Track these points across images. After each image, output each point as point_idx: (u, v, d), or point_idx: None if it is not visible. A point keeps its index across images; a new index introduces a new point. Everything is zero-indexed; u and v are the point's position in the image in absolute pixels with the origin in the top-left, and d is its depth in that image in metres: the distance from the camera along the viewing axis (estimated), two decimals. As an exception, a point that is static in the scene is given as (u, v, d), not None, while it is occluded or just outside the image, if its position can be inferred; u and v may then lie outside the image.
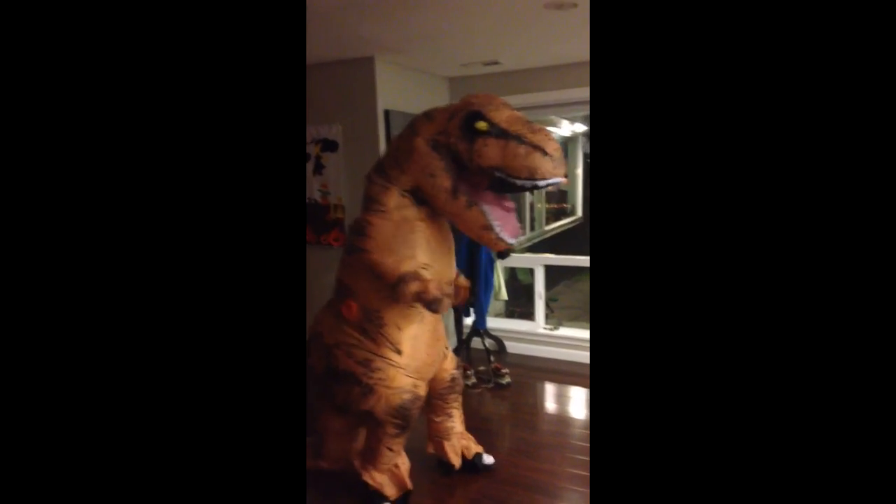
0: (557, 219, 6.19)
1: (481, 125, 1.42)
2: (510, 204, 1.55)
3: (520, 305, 3.86)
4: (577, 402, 2.60)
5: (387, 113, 2.56)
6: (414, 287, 1.53)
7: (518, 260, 3.65)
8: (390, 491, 1.75)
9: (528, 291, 3.43)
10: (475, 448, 1.96)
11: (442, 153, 1.50)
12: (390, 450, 1.72)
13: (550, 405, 2.58)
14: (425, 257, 1.60)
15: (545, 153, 1.37)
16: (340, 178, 2.67)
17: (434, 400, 1.86)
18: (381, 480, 1.75)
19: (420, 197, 1.60)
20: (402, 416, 1.65)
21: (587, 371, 2.92)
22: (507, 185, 1.44)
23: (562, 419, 2.45)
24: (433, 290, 1.55)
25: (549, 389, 2.72)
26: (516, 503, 1.78)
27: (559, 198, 6.53)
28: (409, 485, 1.77)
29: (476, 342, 3.06)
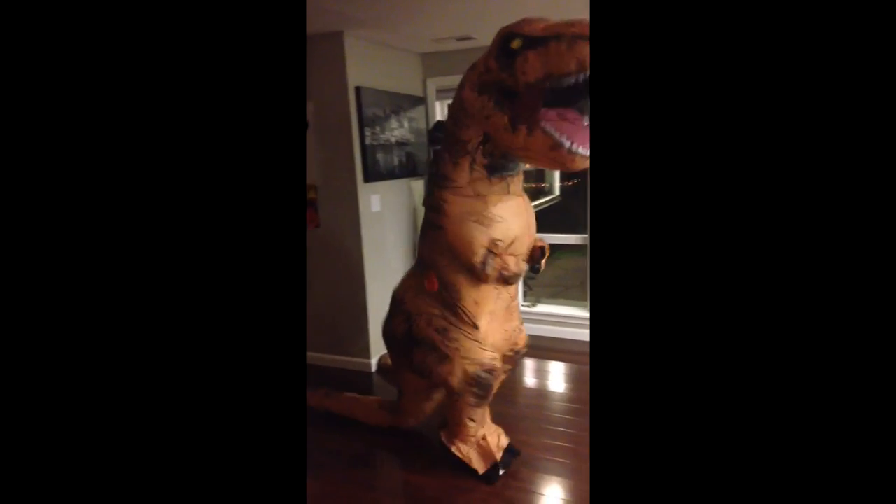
0: (535, 198, 6.21)
1: (514, 43, 1.34)
2: (574, 115, 1.38)
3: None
4: (556, 377, 2.64)
5: (358, 90, 2.50)
6: (491, 270, 1.59)
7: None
8: (478, 464, 1.77)
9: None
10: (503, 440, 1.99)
11: (490, 91, 1.43)
12: (472, 420, 1.75)
13: (529, 380, 2.61)
14: (500, 232, 1.59)
15: (587, 38, 1.24)
16: (313, 157, 2.61)
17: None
18: (468, 453, 1.79)
19: (492, 164, 1.56)
20: (478, 385, 1.67)
21: (565, 346, 2.96)
22: (563, 92, 1.31)
23: (541, 393, 2.48)
24: (512, 268, 1.60)
25: (528, 364, 2.75)
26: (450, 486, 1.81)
27: (537, 177, 6.54)
28: (498, 457, 1.78)
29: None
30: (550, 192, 6.59)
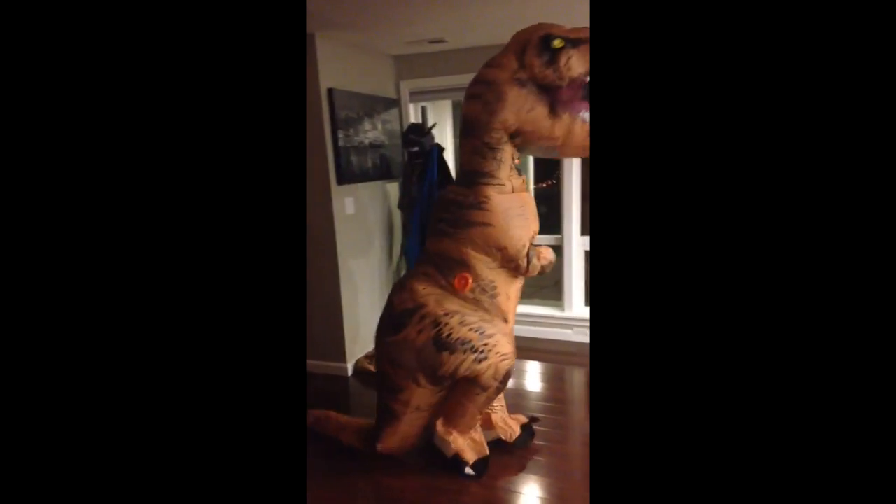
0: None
1: (557, 43, 1.56)
2: None
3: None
4: (532, 376, 2.66)
5: (330, 91, 2.48)
6: (534, 263, 1.72)
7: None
8: (470, 455, 1.80)
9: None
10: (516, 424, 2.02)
11: (529, 87, 1.61)
12: (480, 413, 1.80)
13: (506, 380, 2.62)
14: (534, 225, 1.76)
15: None
16: (285, 160, 2.58)
17: None
18: (462, 445, 1.81)
19: (514, 160, 1.72)
20: (505, 380, 1.74)
21: (539, 346, 2.98)
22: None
23: (518, 392, 2.49)
24: (550, 258, 1.79)
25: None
26: (443, 488, 1.81)
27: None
28: (487, 451, 1.83)
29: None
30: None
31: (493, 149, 1.68)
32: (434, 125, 3.02)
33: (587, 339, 2.93)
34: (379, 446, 1.83)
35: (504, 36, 2.73)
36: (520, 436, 1.94)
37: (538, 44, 1.58)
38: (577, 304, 3.10)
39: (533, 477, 1.80)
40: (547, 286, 3.81)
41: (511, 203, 1.70)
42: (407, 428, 1.82)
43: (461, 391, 1.74)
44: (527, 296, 4.15)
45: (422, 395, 1.76)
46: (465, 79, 2.97)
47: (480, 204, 1.68)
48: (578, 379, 2.61)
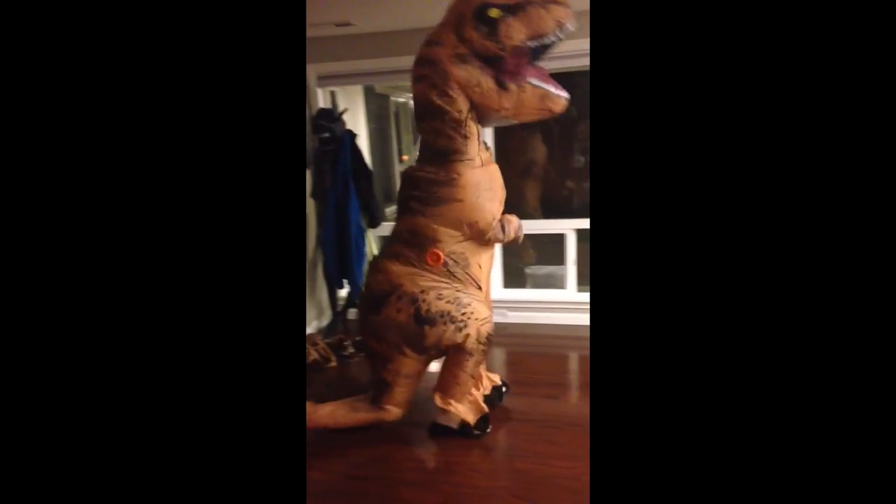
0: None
1: (494, 12, 1.53)
2: (543, 69, 1.69)
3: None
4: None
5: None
6: (504, 234, 1.79)
7: (390, 228, 3.64)
8: (470, 417, 1.88)
9: (403, 259, 3.44)
10: (496, 379, 2.16)
11: (472, 61, 1.60)
12: (472, 377, 1.86)
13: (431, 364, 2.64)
14: (500, 195, 1.80)
15: (557, 2, 1.53)
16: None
17: None
18: (462, 409, 1.88)
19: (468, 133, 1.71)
20: (487, 342, 1.81)
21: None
22: (540, 49, 1.58)
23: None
24: (516, 225, 1.84)
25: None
26: (418, 459, 1.81)
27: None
28: (486, 408, 1.91)
29: (354, 313, 3.01)
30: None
31: (456, 127, 1.69)
32: (345, 110, 2.94)
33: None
34: (384, 413, 1.91)
35: (413, 19, 2.71)
36: (489, 394, 2.07)
37: (473, 15, 1.55)
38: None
39: (500, 466, 1.84)
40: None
41: (481, 178, 1.74)
42: (400, 394, 1.91)
43: (452, 361, 1.83)
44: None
45: (410, 364, 1.86)
46: (375, 63, 2.93)
47: (453, 181, 1.71)
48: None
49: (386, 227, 3.44)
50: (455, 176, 1.71)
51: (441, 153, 1.74)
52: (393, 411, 1.91)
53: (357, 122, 3.62)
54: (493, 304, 2.07)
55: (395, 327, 1.79)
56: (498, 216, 1.81)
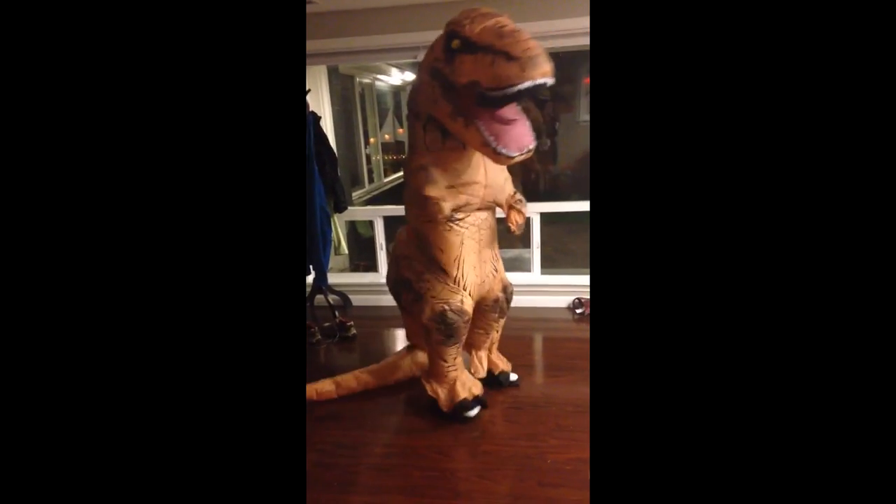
0: (396, 170, 6.22)
1: (454, 43, 1.45)
2: (509, 116, 1.52)
3: (363, 259, 3.84)
4: None
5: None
6: (442, 210, 1.73)
7: (356, 213, 3.60)
8: (445, 403, 1.94)
9: (370, 244, 3.41)
10: (503, 366, 2.18)
11: (438, 79, 1.55)
12: (444, 361, 1.89)
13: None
14: (451, 179, 1.75)
15: (510, 57, 1.31)
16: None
17: (478, 313, 2.01)
18: (438, 392, 1.94)
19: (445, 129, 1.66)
20: (443, 323, 1.82)
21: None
22: (489, 98, 1.41)
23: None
24: (446, 209, 1.75)
25: (399, 335, 2.79)
26: (384, 444, 1.83)
27: (397, 149, 6.54)
28: (461, 396, 1.92)
29: (321, 300, 2.99)
30: (411, 163, 6.63)
31: (411, 123, 1.80)
32: (308, 91, 2.87)
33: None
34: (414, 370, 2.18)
35: (375, -1, 2.65)
36: (488, 378, 2.15)
37: (445, 37, 1.50)
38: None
39: (455, 450, 1.87)
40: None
41: (424, 161, 1.76)
42: (420, 354, 2.17)
43: (425, 341, 1.93)
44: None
45: (409, 321, 2.07)
46: (337, 43, 2.85)
47: (409, 166, 1.83)
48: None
49: (352, 212, 3.40)
50: (410, 163, 1.84)
51: (410, 141, 1.88)
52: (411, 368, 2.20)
53: (321, 103, 3.53)
54: (497, 284, 2.03)
55: (393, 284, 2.06)
56: (445, 202, 1.75)
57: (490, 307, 2.04)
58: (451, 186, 1.77)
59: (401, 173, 6.22)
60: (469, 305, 1.89)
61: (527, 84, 1.32)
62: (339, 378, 2.17)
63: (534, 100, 3.14)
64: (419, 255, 1.91)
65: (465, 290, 1.88)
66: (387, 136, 6.15)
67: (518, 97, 1.40)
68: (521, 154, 1.54)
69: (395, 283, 2.03)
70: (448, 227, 1.81)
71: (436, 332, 1.85)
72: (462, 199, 1.77)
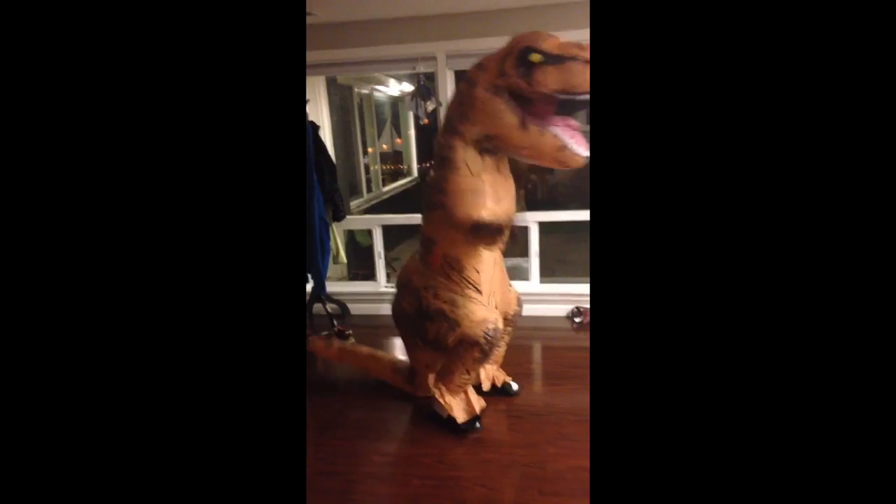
0: (394, 180, 6.24)
1: (535, 57, 1.57)
2: (575, 123, 1.69)
3: (362, 267, 3.84)
4: None
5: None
6: (490, 234, 1.73)
7: (355, 222, 3.61)
8: (459, 414, 1.94)
9: (369, 253, 3.42)
10: (503, 378, 2.22)
11: (503, 95, 1.64)
12: (467, 373, 1.91)
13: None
14: (493, 205, 1.79)
15: None
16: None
17: None
18: (451, 402, 1.94)
19: (485, 147, 1.76)
20: (486, 343, 1.83)
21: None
22: (571, 104, 1.60)
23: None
24: (503, 226, 1.76)
25: (397, 343, 2.78)
26: (384, 452, 1.82)
27: (395, 159, 6.57)
28: (477, 410, 1.97)
29: (319, 308, 2.98)
30: (409, 174, 6.67)
31: (451, 144, 1.78)
32: (307, 101, 2.89)
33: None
34: (416, 390, 2.16)
35: (380, 10, 2.68)
36: (493, 390, 2.18)
37: (518, 55, 1.60)
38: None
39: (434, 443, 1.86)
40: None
41: (467, 185, 1.77)
42: (423, 379, 2.12)
43: (450, 355, 1.91)
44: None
45: (426, 356, 2.01)
46: (336, 54, 2.88)
47: (439, 187, 1.82)
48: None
49: (350, 221, 3.41)
50: (442, 183, 1.81)
51: (438, 160, 1.85)
52: (419, 390, 2.15)
53: (319, 113, 3.55)
54: (514, 298, 2.10)
55: (407, 318, 1.98)
56: (481, 221, 1.76)
57: (508, 322, 2.07)
58: (478, 208, 1.78)
59: (399, 182, 6.24)
60: (500, 322, 1.92)
61: None
62: (347, 346, 2.38)
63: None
64: (446, 280, 1.89)
65: (494, 307, 1.94)
66: (384, 146, 6.18)
67: None
68: (588, 155, 1.69)
69: (418, 318, 1.93)
70: (487, 246, 1.84)
71: (477, 350, 1.84)
72: (502, 222, 1.82)
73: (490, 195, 1.80)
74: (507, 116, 1.65)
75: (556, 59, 1.55)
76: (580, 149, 1.64)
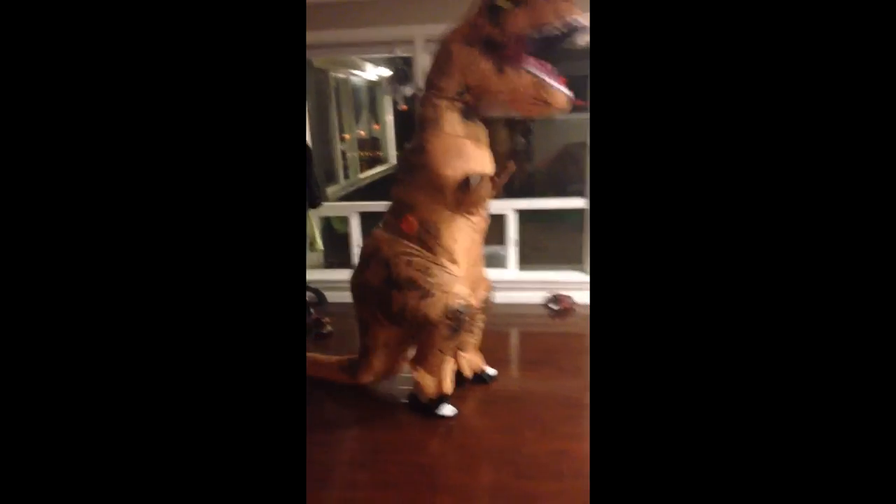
0: (371, 167, 6.17)
1: (501, 2, 1.61)
2: (550, 66, 1.72)
3: (338, 255, 3.80)
4: None
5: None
6: (475, 190, 1.73)
7: (332, 209, 3.56)
8: (431, 390, 1.92)
9: (346, 241, 3.38)
10: (480, 364, 2.20)
11: (476, 45, 1.70)
12: (441, 352, 1.88)
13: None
14: (476, 166, 1.79)
15: None
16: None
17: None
18: (427, 381, 1.92)
19: (466, 104, 1.78)
20: (455, 318, 1.80)
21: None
22: (545, 42, 1.63)
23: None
24: (495, 183, 1.78)
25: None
26: (361, 439, 1.81)
27: (372, 145, 6.48)
28: (448, 390, 1.94)
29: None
30: (386, 161, 6.60)
31: (434, 103, 1.79)
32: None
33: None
34: (358, 378, 2.06)
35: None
36: (469, 379, 2.15)
37: (486, 4, 1.66)
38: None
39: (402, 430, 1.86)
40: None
41: (450, 144, 1.78)
42: (379, 363, 2.03)
43: (423, 332, 1.86)
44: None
45: (385, 333, 1.95)
46: (311, 36, 2.81)
47: (419, 148, 1.80)
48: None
49: (328, 208, 3.36)
50: (423, 143, 1.80)
51: (419, 123, 1.85)
52: (363, 377, 2.06)
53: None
54: (484, 284, 2.06)
55: (371, 290, 1.90)
56: (464, 178, 1.77)
57: (481, 308, 2.05)
58: (460, 168, 1.77)
59: (377, 169, 6.17)
60: (474, 299, 1.90)
61: (577, 18, 1.59)
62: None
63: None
64: (419, 248, 1.84)
65: (468, 283, 1.90)
66: (362, 133, 6.09)
67: (571, 30, 1.63)
68: (571, 95, 1.71)
69: (384, 288, 1.86)
70: (464, 216, 1.84)
71: (445, 327, 1.80)
72: (490, 181, 1.82)
73: (473, 159, 1.80)
74: (483, 63, 1.70)
75: (520, 2, 1.61)
76: (561, 86, 1.68)
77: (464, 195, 1.77)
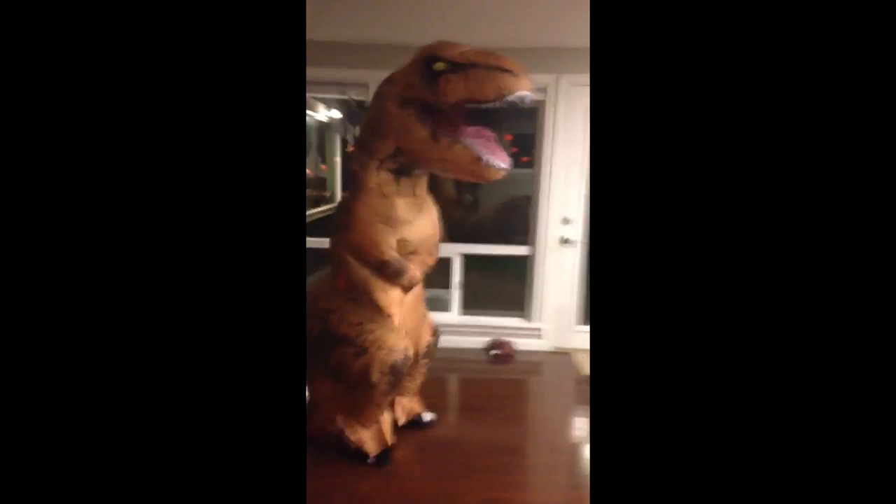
0: (317, 205, 6.10)
1: (439, 66, 1.50)
2: (489, 132, 1.61)
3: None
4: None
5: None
6: (394, 275, 1.69)
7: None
8: (371, 447, 1.81)
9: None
10: (418, 409, 2.11)
11: (411, 107, 1.57)
12: (378, 407, 1.80)
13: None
14: (407, 232, 1.72)
15: (503, 70, 1.42)
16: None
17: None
18: (363, 436, 1.82)
19: (401, 167, 1.68)
20: (393, 373, 1.71)
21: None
22: (480, 112, 1.49)
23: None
24: (415, 274, 1.73)
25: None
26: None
27: (318, 185, 6.44)
28: (390, 441, 1.85)
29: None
30: (332, 200, 6.55)
31: (364, 162, 1.71)
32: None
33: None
34: (311, 430, 1.91)
35: (329, 32, 2.66)
36: (407, 423, 2.06)
37: (422, 64, 1.53)
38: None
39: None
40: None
41: (377, 208, 1.69)
42: (324, 415, 1.89)
43: (359, 385, 1.75)
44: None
45: (328, 386, 1.84)
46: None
47: (346, 207, 1.75)
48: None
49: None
50: (348, 204, 1.74)
51: (353, 182, 1.77)
52: (312, 433, 1.91)
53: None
54: (427, 328, 2.01)
55: (311, 344, 1.82)
56: (390, 252, 1.72)
57: (422, 353, 2.00)
58: (406, 241, 1.73)
59: (322, 208, 6.10)
60: (412, 350, 1.82)
61: (523, 93, 1.43)
62: None
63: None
64: (352, 305, 1.77)
65: (406, 333, 1.83)
66: (308, 172, 6.05)
67: (513, 105, 1.48)
68: (507, 167, 1.58)
69: (322, 341, 1.79)
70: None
71: (384, 384, 1.72)
72: (414, 269, 1.77)
73: (402, 221, 1.74)
74: (417, 129, 1.58)
75: (458, 67, 1.48)
76: (495, 160, 1.54)
77: (381, 275, 1.73)
